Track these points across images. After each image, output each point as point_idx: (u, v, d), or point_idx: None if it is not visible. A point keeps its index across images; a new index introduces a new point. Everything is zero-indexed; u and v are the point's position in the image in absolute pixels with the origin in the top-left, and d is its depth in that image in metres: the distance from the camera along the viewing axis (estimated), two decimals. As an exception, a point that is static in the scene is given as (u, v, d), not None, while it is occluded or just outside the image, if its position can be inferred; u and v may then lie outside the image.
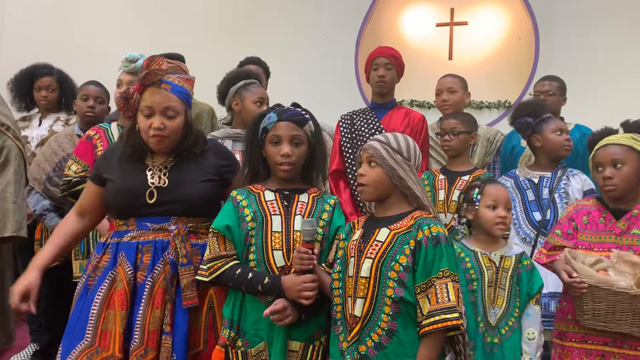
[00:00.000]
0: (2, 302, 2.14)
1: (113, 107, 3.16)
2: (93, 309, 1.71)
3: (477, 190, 1.93)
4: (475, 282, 1.84)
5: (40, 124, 3.24)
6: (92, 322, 1.69)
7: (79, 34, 4.93)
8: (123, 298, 1.68)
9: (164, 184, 1.76)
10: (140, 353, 1.65)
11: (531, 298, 1.86)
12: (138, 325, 1.67)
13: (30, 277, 1.75)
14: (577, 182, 2.35)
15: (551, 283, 2.13)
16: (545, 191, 2.34)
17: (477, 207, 1.90)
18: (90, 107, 2.91)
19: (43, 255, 1.83)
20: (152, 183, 1.76)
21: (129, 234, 1.75)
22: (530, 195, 2.35)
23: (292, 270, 1.60)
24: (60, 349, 1.73)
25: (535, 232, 2.28)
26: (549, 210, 2.30)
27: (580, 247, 1.92)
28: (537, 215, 2.31)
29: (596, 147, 1.93)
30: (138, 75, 1.77)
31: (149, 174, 1.78)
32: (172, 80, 1.76)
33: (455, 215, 2.04)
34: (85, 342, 1.69)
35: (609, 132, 1.96)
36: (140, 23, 4.89)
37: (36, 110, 3.33)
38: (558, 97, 2.94)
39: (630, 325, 1.71)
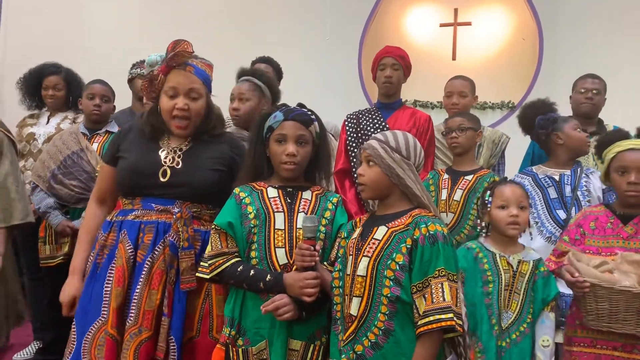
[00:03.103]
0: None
1: (119, 105, 3.19)
2: (107, 286, 1.73)
3: (488, 192, 1.96)
4: (491, 284, 1.83)
5: (48, 122, 3.27)
6: (107, 299, 1.72)
7: (85, 33, 4.94)
8: (120, 275, 1.71)
9: (177, 165, 1.79)
10: (134, 331, 1.67)
11: (546, 305, 1.84)
12: (134, 304, 1.69)
13: (74, 285, 1.82)
14: (597, 180, 2.31)
15: None
16: (568, 189, 2.29)
17: (489, 208, 1.92)
18: (96, 106, 2.93)
19: (80, 259, 1.86)
20: (165, 162, 1.79)
21: (134, 213, 1.78)
22: (552, 193, 2.29)
23: (294, 267, 1.60)
24: (73, 328, 1.75)
25: (561, 231, 2.20)
26: (574, 208, 2.24)
27: (587, 251, 1.90)
28: (561, 214, 2.25)
29: (618, 149, 1.90)
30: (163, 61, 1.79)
31: (162, 154, 1.81)
32: (195, 64, 1.81)
33: (477, 220, 2.04)
34: (102, 319, 1.71)
35: (623, 134, 1.95)
36: (146, 22, 4.91)
37: (46, 109, 3.37)
38: (602, 96, 2.84)
39: (635, 325, 1.69)
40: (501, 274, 1.84)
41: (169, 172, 1.77)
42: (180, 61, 1.77)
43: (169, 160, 1.79)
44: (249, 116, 2.45)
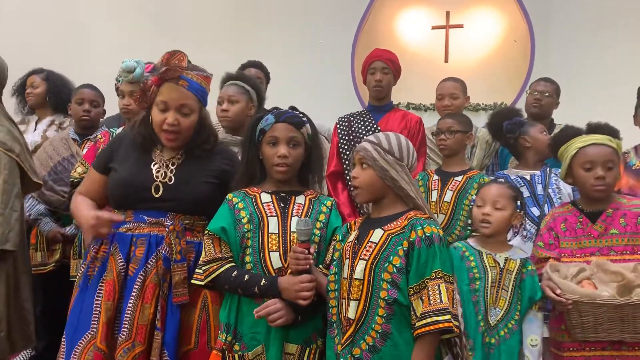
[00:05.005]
0: (20, 306, 2.12)
1: (109, 110, 3.16)
2: (97, 299, 1.71)
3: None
4: (478, 281, 1.84)
5: (35, 129, 3.25)
6: (97, 312, 1.70)
7: (78, 39, 4.92)
8: (111, 289, 1.69)
9: (169, 180, 1.77)
10: (128, 346, 1.65)
11: (534, 304, 1.84)
12: (127, 318, 1.67)
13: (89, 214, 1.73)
14: None
15: None
16: (539, 187, 2.36)
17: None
18: (85, 111, 2.92)
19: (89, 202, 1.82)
20: (158, 177, 1.76)
21: (125, 226, 1.76)
22: (525, 192, 2.34)
23: (289, 271, 1.59)
24: (63, 340, 1.73)
25: (536, 228, 2.25)
26: (546, 205, 2.30)
27: (563, 254, 1.91)
28: (535, 211, 2.31)
29: (579, 145, 1.91)
30: (157, 71, 1.75)
31: (154, 168, 1.78)
32: (190, 77, 1.76)
33: (468, 220, 2.10)
34: (92, 333, 1.69)
35: (576, 130, 1.97)
36: (138, 28, 4.88)
37: (34, 114, 3.36)
38: (553, 99, 2.99)
39: (620, 332, 1.71)
40: (487, 271, 1.86)
41: (161, 187, 1.76)
42: (174, 75, 1.73)
43: (161, 175, 1.77)
44: (238, 118, 2.45)
